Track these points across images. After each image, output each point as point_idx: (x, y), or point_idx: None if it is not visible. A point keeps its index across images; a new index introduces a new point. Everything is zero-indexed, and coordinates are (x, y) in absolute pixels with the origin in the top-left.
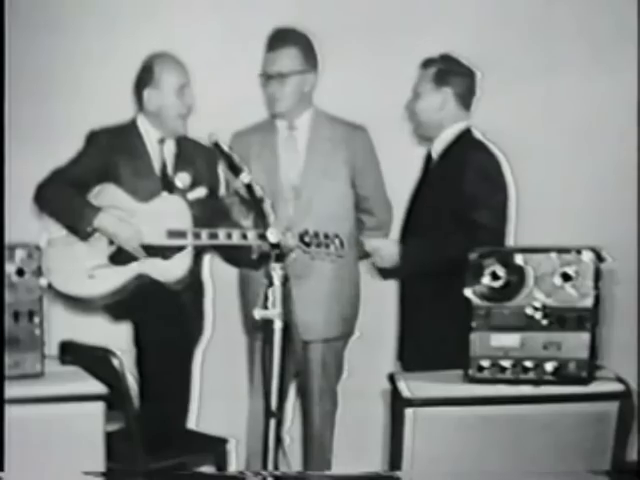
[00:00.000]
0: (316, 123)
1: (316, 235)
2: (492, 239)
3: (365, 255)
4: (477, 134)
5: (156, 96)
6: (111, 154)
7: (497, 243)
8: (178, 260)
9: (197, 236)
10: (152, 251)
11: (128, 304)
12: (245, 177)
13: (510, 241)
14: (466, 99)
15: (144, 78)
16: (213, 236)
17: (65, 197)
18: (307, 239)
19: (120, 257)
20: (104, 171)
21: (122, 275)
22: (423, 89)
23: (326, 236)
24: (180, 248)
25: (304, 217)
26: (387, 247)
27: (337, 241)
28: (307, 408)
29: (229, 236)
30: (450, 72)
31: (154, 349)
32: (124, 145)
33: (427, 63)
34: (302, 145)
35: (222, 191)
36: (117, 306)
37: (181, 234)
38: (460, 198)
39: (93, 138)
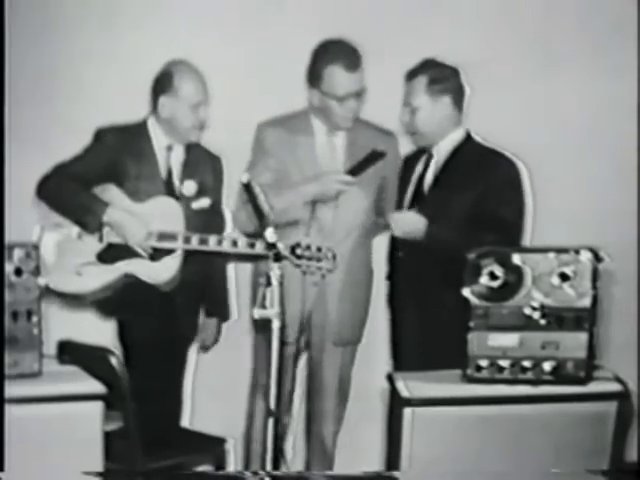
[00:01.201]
0: (353, 129)
1: (308, 248)
2: (516, 237)
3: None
4: (477, 138)
5: (171, 105)
6: (117, 153)
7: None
8: (167, 262)
9: (187, 240)
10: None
11: (115, 302)
12: (244, 177)
13: (527, 239)
14: (459, 100)
15: (163, 84)
16: (203, 242)
17: (72, 191)
18: (299, 252)
19: (108, 255)
20: (109, 170)
21: (109, 273)
22: (419, 102)
23: (319, 249)
24: (170, 250)
25: (340, 225)
26: (408, 217)
27: (329, 254)
28: (321, 410)
29: (219, 242)
30: (441, 79)
31: (140, 348)
32: (132, 146)
33: (412, 74)
34: (340, 152)
35: (223, 205)
36: (105, 303)
37: (172, 237)
38: (490, 201)
39: (100, 136)
